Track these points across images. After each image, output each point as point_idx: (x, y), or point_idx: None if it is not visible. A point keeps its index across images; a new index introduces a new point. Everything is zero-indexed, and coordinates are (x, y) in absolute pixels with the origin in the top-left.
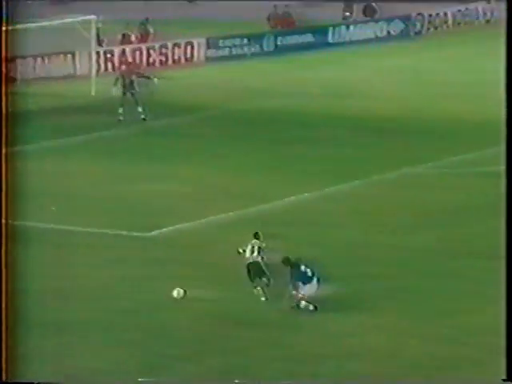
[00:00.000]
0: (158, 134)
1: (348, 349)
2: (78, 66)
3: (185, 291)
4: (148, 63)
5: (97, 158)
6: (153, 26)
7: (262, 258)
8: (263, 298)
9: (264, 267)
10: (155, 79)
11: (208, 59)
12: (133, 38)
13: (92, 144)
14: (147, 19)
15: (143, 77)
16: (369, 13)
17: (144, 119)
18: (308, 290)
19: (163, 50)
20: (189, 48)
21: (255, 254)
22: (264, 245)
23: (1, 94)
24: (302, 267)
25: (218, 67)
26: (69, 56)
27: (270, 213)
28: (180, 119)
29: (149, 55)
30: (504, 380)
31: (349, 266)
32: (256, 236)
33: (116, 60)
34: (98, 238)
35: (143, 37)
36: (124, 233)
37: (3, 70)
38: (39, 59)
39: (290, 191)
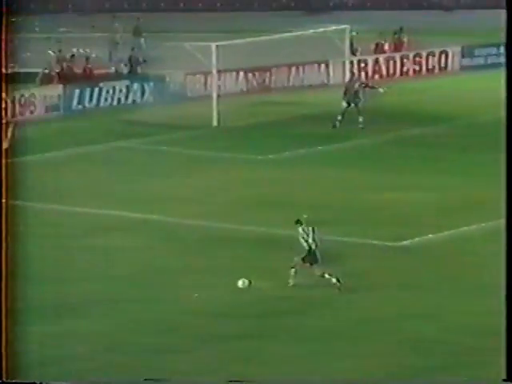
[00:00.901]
0: (402, 144)
1: None
2: (331, 75)
3: (250, 282)
4: (401, 72)
5: (343, 167)
6: (407, 35)
7: (316, 244)
8: (290, 282)
9: (318, 253)
10: (380, 89)
11: (462, 68)
12: (386, 47)
13: (340, 152)
14: (401, 28)
15: (368, 87)
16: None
17: (362, 128)
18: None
19: (417, 59)
20: (443, 57)
21: (310, 240)
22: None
23: None
24: None
25: (472, 76)
26: (322, 65)
27: None
28: (428, 129)
29: (402, 64)
30: (504, 380)
31: None
32: (298, 222)
33: (370, 69)
34: (347, 247)
35: (397, 46)
36: (375, 242)
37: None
38: (293, 68)
39: None
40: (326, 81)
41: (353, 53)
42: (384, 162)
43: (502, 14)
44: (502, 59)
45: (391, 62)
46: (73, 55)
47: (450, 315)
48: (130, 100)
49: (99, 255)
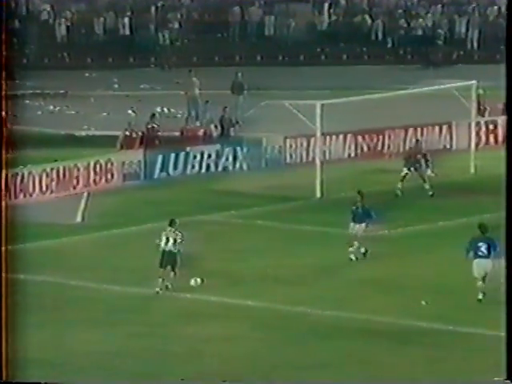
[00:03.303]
0: None
1: None
2: (454, 138)
3: (202, 280)
4: None
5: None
6: None
7: (178, 249)
8: (166, 286)
9: (178, 258)
10: (432, 173)
11: None
12: None
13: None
14: None
15: (427, 160)
16: None
17: (431, 195)
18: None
19: None
20: None
21: (170, 243)
22: (180, 235)
23: None
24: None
25: None
26: (444, 127)
27: None
28: None
29: None
30: (504, 380)
31: None
32: (171, 224)
33: (500, 132)
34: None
35: None
36: None
37: None
38: (410, 131)
39: None
40: (448, 145)
41: (480, 113)
42: None
43: None
44: None
45: None
46: (153, 114)
47: None
48: (220, 167)
49: (192, 346)
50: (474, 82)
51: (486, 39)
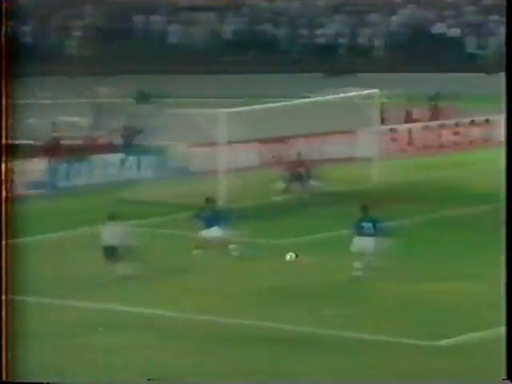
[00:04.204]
0: (438, 227)
1: None
2: (357, 146)
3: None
4: (439, 144)
5: None
6: (445, 101)
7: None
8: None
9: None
10: (313, 182)
11: None
12: (419, 114)
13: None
14: (438, 94)
15: (310, 175)
16: None
17: (307, 205)
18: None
19: (457, 129)
20: (488, 127)
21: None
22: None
23: None
24: None
25: None
26: (347, 136)
27: None
28: (469, 210)
29: (440, 135)
30: (504, 380)
31: None
32: (110, 217)
33: (402, 140)
34: (377, 347)
35: (433, 113)
36: (408, 341)
37: None
38: (314, 139)
39: None
40: (351, 154)
41: (383, 121)
42: (419, 248)
43: None
44: None
45: (427, 132)
46: (54, 123)
47: None
48: (124, 176)
49: (103, 355)
50: (376, 90)
51: (389, 48)
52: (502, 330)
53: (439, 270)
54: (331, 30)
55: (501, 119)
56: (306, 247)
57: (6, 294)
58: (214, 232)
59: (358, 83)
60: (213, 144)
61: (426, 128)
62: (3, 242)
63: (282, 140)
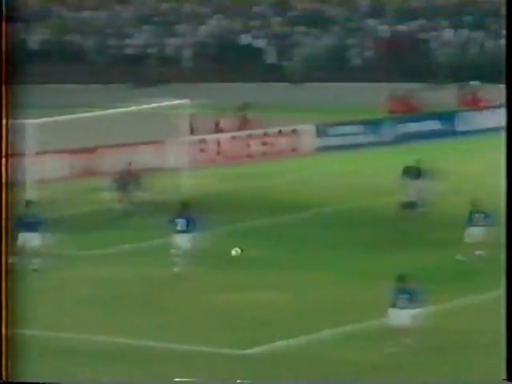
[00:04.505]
0: (246, 236)
1: None
2: (168, 157)
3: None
4: (247, 154)
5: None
6: (253, 111)
7: None
8: None
9: None
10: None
11: (317, 149)
12: (228, 124)
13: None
14: (246, 103)
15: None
16: None
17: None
18: None
19: (266, 139)
20: (295, 136)
21: None
22: None
23: None
24: None
25: (328, 158)
26: (157, 146)
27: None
28: (275, 219)
29: (248, 145)
30: (504, 380)
31: None
32: None
33: (211, 150)
34: (190, 356)
35: (242, 123)
36: (218, 350)
37: None
38: (123, 149)
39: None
40: (162, 164)
41: (192, 132)
42: (224, 259)
43: (360, 88)
44: (361, 138)
45: (236, 142)
46: None
47: None
48: None
49: None
50: (185, 100)
51: (198, 58)
52: (311, 337)
53: (246, 279)
54: (140, 40)
55: (307, 128)
56: (117, 258)
57: None
58: (32, 238)
59: (168, 93)
60: (21, 155)
61: (234, 138)
62: None
63: (91, 150)
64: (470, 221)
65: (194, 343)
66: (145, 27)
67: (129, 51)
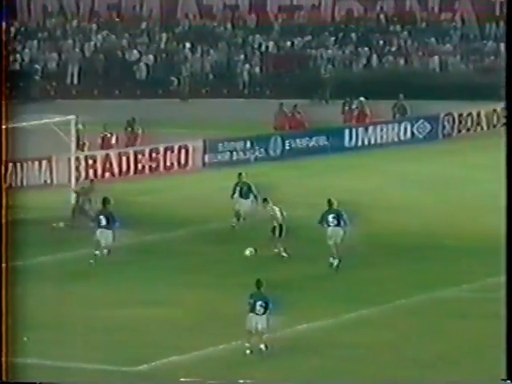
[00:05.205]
0: (134, 253)
1: None
2: (54, 173)
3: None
4: (136, 170)
5: (76, 281)
6: (141, 126)
7: None
8: None
9: None
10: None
11: (205, 165)
12: (113, 140)
13: (71, 265)
14: (134, 119)
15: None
16: (399, 112)
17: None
18: None
19: (154, 155)
20: (183, 152)
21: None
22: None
23: None
24: None
25: (216, 174)
26: (44, 162)
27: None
28: (162, 235)
29: (136, 160)
30: (504, 380)
31: None
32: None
33: (99, 166)
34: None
35: (130, 139)
36: (109, 368)
37: None
38: (10, 165)
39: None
40: (49, 180)
41: (80, 148)
42: (113, 275)
43: (248, 104)
44: (248, 154)
45: (124, 158)
46: None
47: None
48: None
49: None
50: (73, 116)
51: (85, 74)
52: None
53: (135, 295)
54: (25, 56)
55: (196, 144)
56: None
57: None
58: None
59: (53, 110)
60: None
61: (122, 154)
62: None
63: None
64: (324, 221)
65: (82, 360)
66: (29, 43)
67: (14, 67)
